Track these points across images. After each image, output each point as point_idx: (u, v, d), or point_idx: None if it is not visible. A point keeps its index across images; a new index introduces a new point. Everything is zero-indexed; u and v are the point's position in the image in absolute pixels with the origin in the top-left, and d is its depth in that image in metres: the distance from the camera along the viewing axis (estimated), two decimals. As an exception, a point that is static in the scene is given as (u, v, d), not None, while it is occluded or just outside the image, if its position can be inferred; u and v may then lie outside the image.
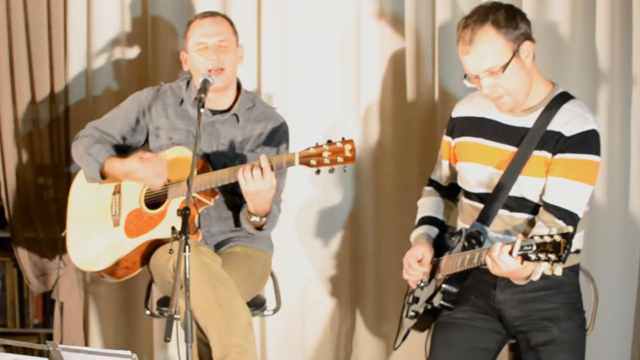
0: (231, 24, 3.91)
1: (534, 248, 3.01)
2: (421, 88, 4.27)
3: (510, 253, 3.07)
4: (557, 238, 2.97)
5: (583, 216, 3.36)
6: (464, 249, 3.36)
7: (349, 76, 4.35)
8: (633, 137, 4.12)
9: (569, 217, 3.29)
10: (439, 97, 4.24)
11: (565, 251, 2.95)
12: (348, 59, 4.35)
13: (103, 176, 3.88)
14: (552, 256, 2.97)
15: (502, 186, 3.36)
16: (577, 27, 4.10)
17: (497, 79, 3.28)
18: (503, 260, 3.10)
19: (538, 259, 3.00)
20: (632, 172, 4.13)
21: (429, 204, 3.66)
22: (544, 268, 3.00)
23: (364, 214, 4.38)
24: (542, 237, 3.00)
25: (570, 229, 2.98)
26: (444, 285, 3.39)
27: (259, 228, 3.80)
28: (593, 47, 4.09)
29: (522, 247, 3.04)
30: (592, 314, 3.60)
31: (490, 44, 3.26)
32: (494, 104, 3.37)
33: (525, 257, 3.04)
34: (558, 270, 2.99)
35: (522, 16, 3.32)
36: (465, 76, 3.34)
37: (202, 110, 3.50)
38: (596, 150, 3.31)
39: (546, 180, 3.32)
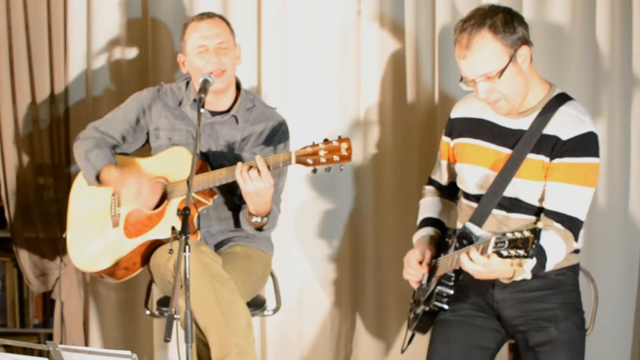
0: (228, 24, 3.89)
1: (507, 244, 3.02)
2: (421, 89, 4.26)
3: (484, 252, 3.09)
4: (527, 234, 2.98)
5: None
6: (455, 249, 3.36)
7: (348, 77, 4.34)
8: (633, 138, 4.12)
9: (568, 221, 3.29)
10: (439, 98, 4.23)
11: (533, 246, 2.96)
12: (348, 60, 4.34)
13: (100, 181, 3.88)
14: (521, 252, 2.99)
15: (496, 187, 3.36)
16: (577, 28, 4.09)
17: (494, 84, 3.27)
18: (478, 266, 3.12)
19: (509, 256, 3.01)
20: (632, 172, 4.13)
21: (430, 205, 3.65)
22: (528, 265, 3.02)
23: (364, 215, 4.38)
24: (513, 233, 3.02)
25: (540, 225, 2.98)
26: (438, 287, 3.39)
27: (260, 229, 3.80)
28: (593, 48, 4.09)
29: (496, 243, 3.05)
30: (592, 314, 3.60)
31: (487, 49, 3.24)
32: (491, 107, 3.37)
33: (498, 254, 3.04)
34: (527, 265, 3.00)
35: (520, 20, 3.29)
36: (461, 79, 3.34)
37: (202, 110, 3.50)
38: (594, 152, 3.30)
39: (545, 185, 3.32)
